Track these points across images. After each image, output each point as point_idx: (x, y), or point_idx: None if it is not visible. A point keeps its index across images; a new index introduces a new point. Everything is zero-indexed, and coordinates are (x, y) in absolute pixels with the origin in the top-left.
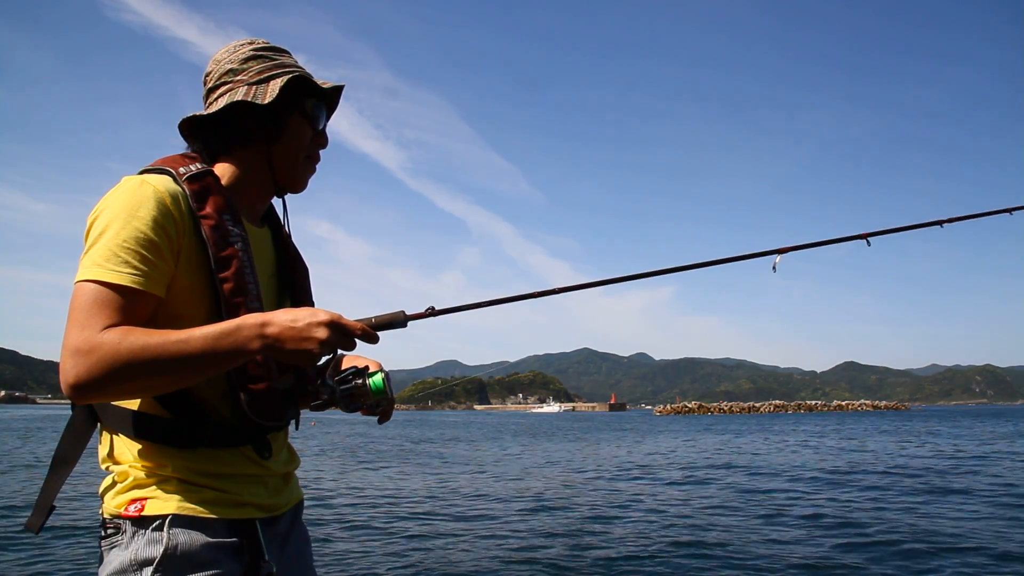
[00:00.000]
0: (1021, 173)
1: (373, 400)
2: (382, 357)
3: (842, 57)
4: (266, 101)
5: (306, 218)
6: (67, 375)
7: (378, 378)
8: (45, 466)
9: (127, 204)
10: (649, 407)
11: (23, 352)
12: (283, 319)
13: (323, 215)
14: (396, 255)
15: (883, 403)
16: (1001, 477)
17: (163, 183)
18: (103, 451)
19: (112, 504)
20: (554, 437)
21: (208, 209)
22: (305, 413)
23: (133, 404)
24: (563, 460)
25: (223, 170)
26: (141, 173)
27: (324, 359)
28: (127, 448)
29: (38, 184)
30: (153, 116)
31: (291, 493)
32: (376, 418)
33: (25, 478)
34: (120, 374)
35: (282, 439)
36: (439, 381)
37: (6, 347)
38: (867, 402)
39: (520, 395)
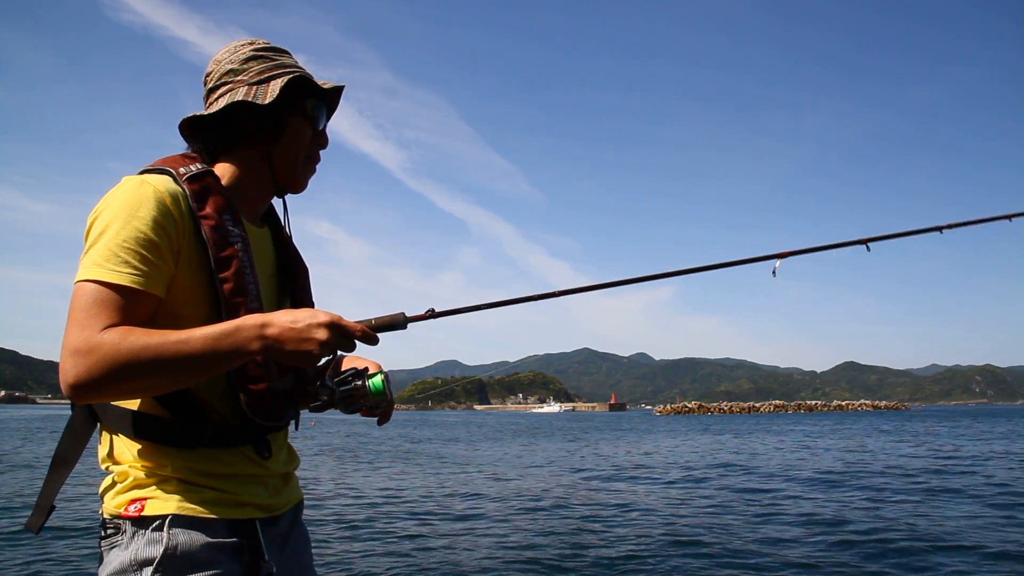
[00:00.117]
0: (1021, 173)
1: (372, 401)
2: (382, 357)
3: (842, 57)
4: (266, 101)
5: (306, 218)
6: (67, 375)
7: (378, 380)
8: (45, 466)
9: (127, 204)
10: (649, 407)
11: (23, 352)
12: (283, 320)
13: (323, 215)
14: (396, 255)
15: (883, 403)
16: (997, 477)
17: (163, 183)
18: (103, 451)
19: (112, 504)
20: (554, 437)
21: (208, 209)
22: (305, 413)
23: (133, 404)
24: (563, 460)
25: (223, 170)
26: (141, 173)
27: (324, 360)
28: (127, 448)
29: (38, 184)
30: (153, 116)
31: (291, 493)
32: (376, 419)
33: (25, 478)
34: (120, 374)
35: (282, 439)
36: (439, 381)
37: (6, 347)
38: (867, 402)
39: (520, 395)
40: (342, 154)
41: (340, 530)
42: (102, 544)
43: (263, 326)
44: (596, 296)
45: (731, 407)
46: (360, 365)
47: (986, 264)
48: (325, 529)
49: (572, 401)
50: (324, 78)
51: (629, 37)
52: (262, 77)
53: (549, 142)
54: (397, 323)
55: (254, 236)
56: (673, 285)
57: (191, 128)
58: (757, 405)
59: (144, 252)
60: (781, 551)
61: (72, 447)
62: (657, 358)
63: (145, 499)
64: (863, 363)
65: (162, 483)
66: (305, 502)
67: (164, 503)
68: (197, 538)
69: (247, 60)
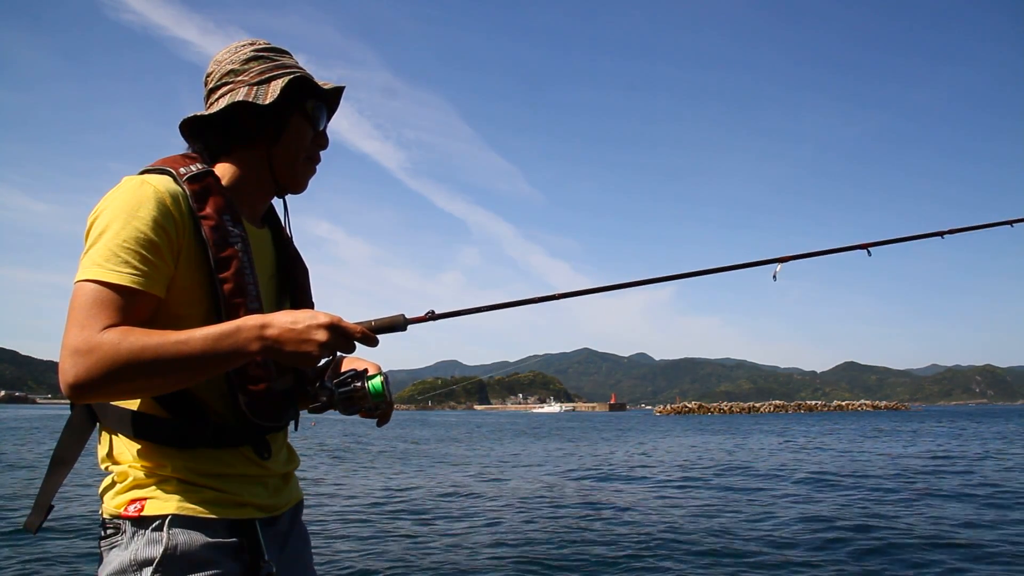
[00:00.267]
0: (1022, 173)
1: (372, 403)
2: (382, 357)
3: (842, 57)
4: (267, 101)
5: (306, 218)
6: (66, 375)
7: (377, 381)
8: (44, 466)
9: (127, 204)
10: (649, 407)
11: (23, 352)
12: (283, 321)
13: (323, 215)
14: (396, 255)
15: (883, 403)
16: (994, 476)
17: (163, 183)
18: (102, 451)
19: (112, 504)
20: (554, 437)
21: (208, 210)
22: (305, 414)
23: (132, 404)
24: (562, 460)
25: (223, 170)
26: (142, 173)
27: (323, 361)
28: (126, 448)
29: (38, 184)
30: (153, 116)
31: (291, 493)
32: (376, 420)
33: (24, 478)
34: (119, 374)
35: (281, 439)
36: (439, 381)
37: (6, 347)
38: (867, 402)
39: (520, 395)
40: (342, 154)
41: (340, 530)
42: (102, 544)
43: (263, 327)
44: (596, 296)
45: (731, 407)
46: (360, 366)
47: (986, 264)
48: (325, 529)
49: (572, 401)
50: (324, 78)
51: (629, 37)
52: (263, 77)
53: (549, 142)
54: (397, 325)
55: (254, 236)
56: (673, 286)
57: (191, 128)
58: (757, 405)
59: (144, 252)
60: (781, 551)
61: (71, 447)
62: (657, 358)
63: (145, 499)
64: (863, 363)
65: (162, 483)
66: (305, 502)
67: (164, 503)
68: (197, 538)
69: (248, 60)
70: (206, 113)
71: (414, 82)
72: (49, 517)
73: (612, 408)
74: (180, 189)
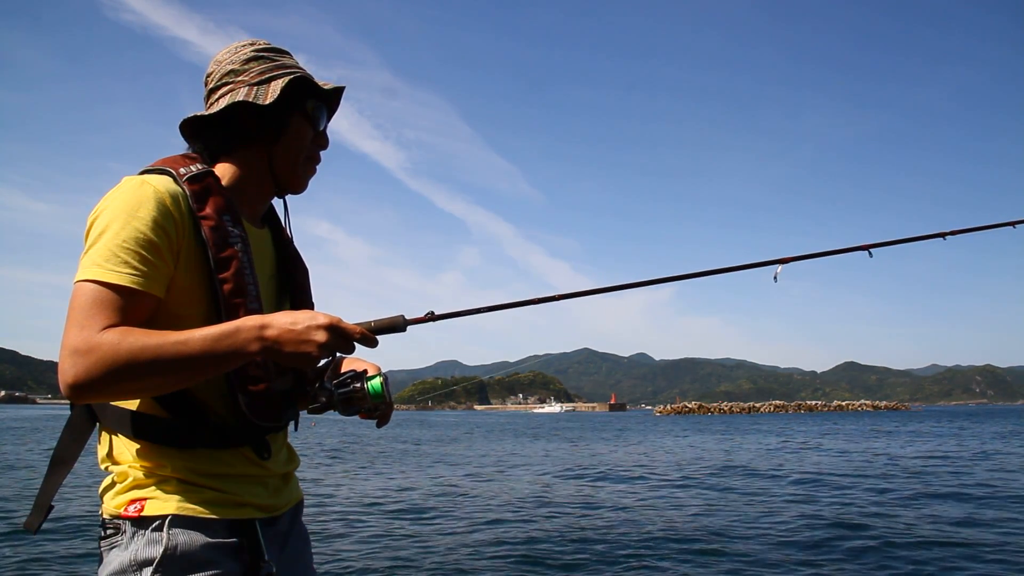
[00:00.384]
0: (1023, 174)
1: (371, 404)
2: (382, 357)
3: (842, 57)
4: (267, 102)
5: (306, 218)
6: (66, 375)
7: (376, 382)
8: (44, 466)
9: (127, 204)
10: (649, 407)
11: (23, 352)
12: (282, 322)
13: (323, 215)
14: (396, 255)
15: (883, 403)
16: (992, 476)
17: (163, 183)
18: (102, 451)
19: (111, 504)
20: (554, 438)
21: (208, 210)
22: (304, 415)
23: (132, 404)
24: (562, 460)
25: (223, 171)
26: (141, 173)
27: (323, 362)
28: (126, 448)
29: (38, 184)
30: (153, 116)
31: (291, 493)
32: (375, 421)
33: (24, 478)
34: (119, 375)
35: (281, 439)
36: (439, 381)
37: (6, 347)
38: (867, 402)
39: (520, 395)
40: (342, 154)
41: (340, 530)
42: (101, 544)
43: (262, 327)
44: (597, 297)
45: (731, 407)
46: (359, 367)
47: (987, 265)
48: (325, 529)
49: (572, 401)
50: (324, 78)
51: (629, 37)
52: (263, 78)
53: (549, 142)
54: (397, 326)
55: (254, 237)
56: (673, 286)
57: (192, 128)
58: (757, 405)
59: (144, 252)
60: (780, 550)
61: (71, 447)
62: (657, 358)
63: (145, 499)
64: (863, 363)
65: (162, 483)
66: (305, 502)
67: (164, 503)
68: (197, 538)
69: (248, 61)
70: (206, 113)
71: (414, 82)
72: (49, 517)
73: (612, 408)
74: (180, 189)
